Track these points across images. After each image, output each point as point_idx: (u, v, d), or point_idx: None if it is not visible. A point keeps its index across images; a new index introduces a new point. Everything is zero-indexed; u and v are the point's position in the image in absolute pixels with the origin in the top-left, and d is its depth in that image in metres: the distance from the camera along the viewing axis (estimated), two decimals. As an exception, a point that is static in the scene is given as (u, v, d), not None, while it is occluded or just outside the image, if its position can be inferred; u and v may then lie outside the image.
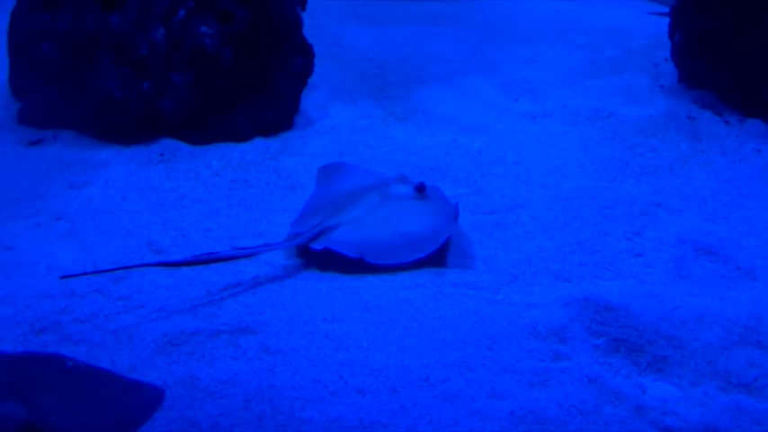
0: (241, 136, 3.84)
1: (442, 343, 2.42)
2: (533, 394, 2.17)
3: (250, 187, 3.40)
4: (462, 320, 2.56)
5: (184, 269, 2.62)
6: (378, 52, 5.49)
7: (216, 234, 2.99)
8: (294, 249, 2.89)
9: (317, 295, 2.64)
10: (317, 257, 2.81)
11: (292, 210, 3.23)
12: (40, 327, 2.37)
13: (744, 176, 3.71)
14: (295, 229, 2.87)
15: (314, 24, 5.82)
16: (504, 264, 2.94)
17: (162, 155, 3.64)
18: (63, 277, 2.52)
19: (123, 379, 2.07)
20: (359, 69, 5.10)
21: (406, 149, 3.90)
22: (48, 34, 3.76)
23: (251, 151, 3.74)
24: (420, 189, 3.00)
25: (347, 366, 2.24)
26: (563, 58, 5.52)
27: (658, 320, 2.61)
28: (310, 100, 4.43)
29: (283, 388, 2.12)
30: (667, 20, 4.85)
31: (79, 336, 2.33)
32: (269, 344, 2.32)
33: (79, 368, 2.02)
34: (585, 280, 2.85)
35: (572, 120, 4.32)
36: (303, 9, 4.34)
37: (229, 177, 3.47)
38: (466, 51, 5.59)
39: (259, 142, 3.85)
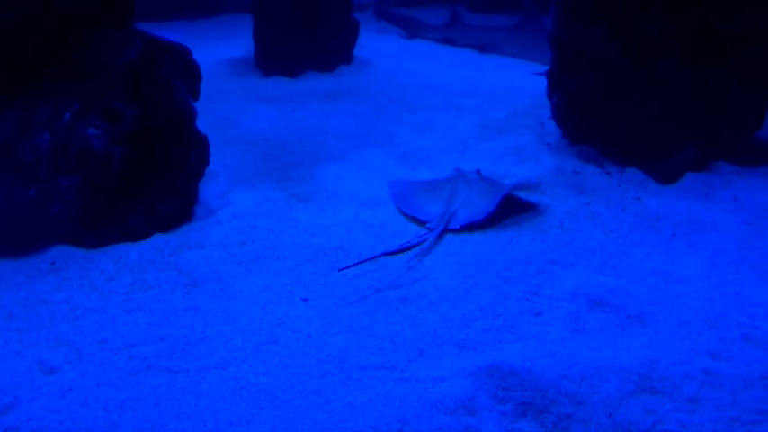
0: (138, 234, 3.76)
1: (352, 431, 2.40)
2: (444, 475, 2.18)
3: (149, 289, 3.32)
4: (372, 405, 2.56)
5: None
6: (277, 132, 5.57)
7: (112, 345, 2.88)
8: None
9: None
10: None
11: (193, 308, 3.17)
12: None
13: (627, 225, 3.96)
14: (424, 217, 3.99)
15: (211, 109, 5.90)
16: (411, 339, 2.97)
17: (53, 263, 3.51)
18: None
19: None
20: (258, 151, 5.15)
21: (308, 231, 3.93)
22: None
23: (149, 249, 3.66)
24: (479, 172, 4.32)
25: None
26: (455, 124, 5.79)
27: (560, 378, 2.70)
28: (210, 188, 4.42)
29: None
30: (549, 79, 5.21)
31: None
32: None
33: None
34: (489, 346, 2.92)
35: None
36: (196, 99, 4.37)
37: (126, 281, 3.37)
38: (363, 125, 5.77)
39: (158, 239, 3.78)
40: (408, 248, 3.68)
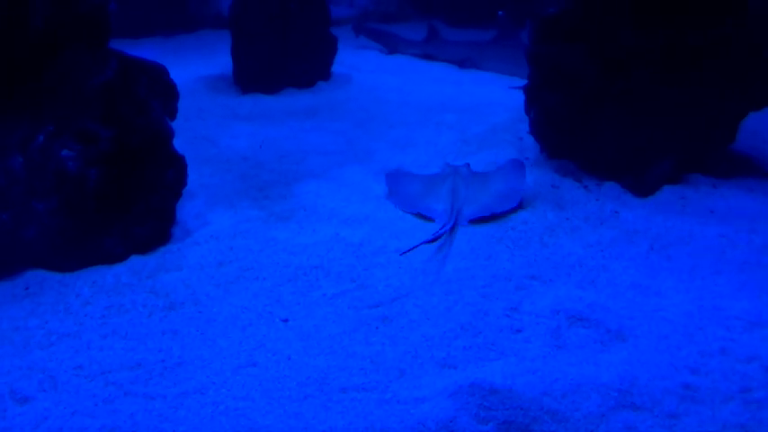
0: (114, 257, 3.71)
1: (332, 456, 2.38)
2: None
3: (126, 312, 3.27)
4: (352, 428, 2.53)
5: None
6: (255, 150, 5.55)
7: (87, 371, 2.83)
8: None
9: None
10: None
11: (171, 331, 3.12)
12: None
13: (606, 239, 3.99)
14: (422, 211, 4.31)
15: (189, 126, 5.87)
16: (392, 359, 2.96)
17: (27, 288, 3.44)
18: None
19: None
20: (237, 170, 5.12)
21: (288, 250, 3.90)
22: None
23: (126, 272, 3.61)
24: (468, 166, 4.65)
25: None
26: (435, 140, 5.81)
27: (541, 396, 2.70)
28: (188, 209, 4.38)
29: None
30: (528, 93, 5.25)
31: None
32: None
33: None
34: (470, 364, 2.91)
35: (447, 200, 4.51)
36: (173, 118, 4.35)
37: (102, 304, 3.32)
38: (342, 142, 5.76)
39: (135, 261, 3.73)
40: (438, 237, 3.94)
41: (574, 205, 4.42)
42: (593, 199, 4.51)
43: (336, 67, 7.83)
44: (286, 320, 3.24)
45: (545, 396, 2.69)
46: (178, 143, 4.15)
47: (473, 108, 6.72)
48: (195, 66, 8.16)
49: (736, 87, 4.61)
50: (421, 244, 3.87)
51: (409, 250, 3.82)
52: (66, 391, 2.69)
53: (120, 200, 3.80)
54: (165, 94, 4.27)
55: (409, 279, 3.59)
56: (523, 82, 5.33)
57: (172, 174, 4.06)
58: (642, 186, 4.55)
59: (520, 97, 5.35)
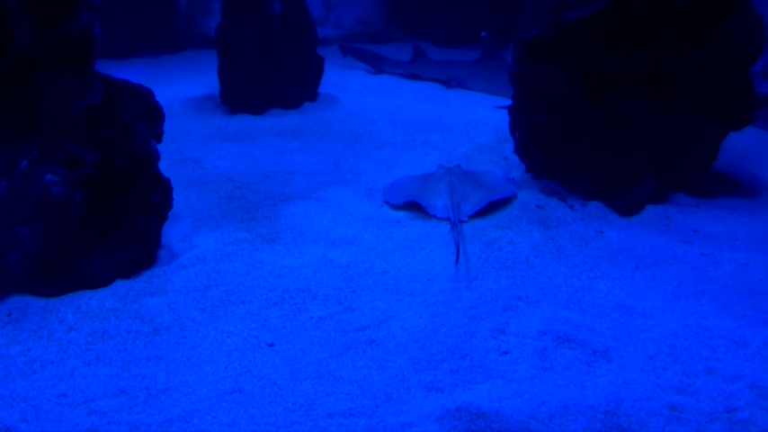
0: (99, 281, 3.68)
1: (319, 484, 2.35)
2: None
3: (110, 339, 3.23)
4: (339, 455, 2.51)
5: None
6: (241, 172, 5.55)
7: (71, 399, 2.79)
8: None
9: None
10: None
11: (156, 357, 3.09)
12: None
13: (591, 259, 4.01)
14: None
15: (175, 148, 5.86)
16: (379, 383, 2.94)
17: (9, 315, 3.40)
18: None
19: None
20: (223, 192, 5.11)
21: (274, 273, 3.89)
22: None
23: (110, 297, 3.58)
24: (459, 167, 5.07)
25: None
26: (422, 160, 5.84)
27: (528, 419, 2.70)
28: (174, 231, 4.36)
29: None
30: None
31: None
32: None
33: None
34: (458, 387, 2.91)
35: (435, 222, 4.53)
36: (159, 141, 4.33)
37: (86, 330, 3.28)
38: (329, 162, 5.78)
39: (120, 285, 3.70)
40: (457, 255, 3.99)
41: (559, 225, 4.45)
42: (578, 219, 4.54)
43: (323, 88, 7.87)
44: (272, 345, 3.22)
45: (532, 419, 2.69)
46: (164, 164, 4.14)
47: (459, 128, 6.78)
48: (182, 86, 8.17)
49: (717, 108, 4.69)
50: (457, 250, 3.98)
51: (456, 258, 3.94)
52: (49, 421, 2.65)
53: (105, 224, 3.78)
54: (150, 116, 4.25)
55: (396, 301, 3.59)
56: (509, 101, 5.38)
57: (157, 196, 4.04)
58: (626, 206, 4.59)
59: (506, 117, 5.40)
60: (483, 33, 8.75)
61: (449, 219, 4.38)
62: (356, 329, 3.34)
